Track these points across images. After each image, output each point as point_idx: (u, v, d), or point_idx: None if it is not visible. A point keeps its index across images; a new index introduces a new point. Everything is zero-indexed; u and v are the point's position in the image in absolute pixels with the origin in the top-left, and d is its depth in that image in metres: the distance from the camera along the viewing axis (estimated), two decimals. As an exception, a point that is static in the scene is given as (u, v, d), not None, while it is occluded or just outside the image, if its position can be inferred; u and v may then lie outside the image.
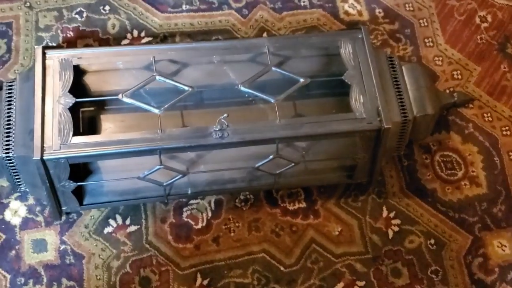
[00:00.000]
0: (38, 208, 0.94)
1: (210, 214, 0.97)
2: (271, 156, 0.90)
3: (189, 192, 0.94)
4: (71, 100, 0.85)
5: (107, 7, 1.08)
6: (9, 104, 0.89)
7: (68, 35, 1.05)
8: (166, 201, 0.96)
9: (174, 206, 0.97)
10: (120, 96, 0.86)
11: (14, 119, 0.87)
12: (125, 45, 1.05)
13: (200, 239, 0.95)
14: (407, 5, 1.16)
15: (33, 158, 0.80)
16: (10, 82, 0.91)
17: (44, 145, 0.81)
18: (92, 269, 0.91)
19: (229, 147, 0.88)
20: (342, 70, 0.99)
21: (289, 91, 0.91)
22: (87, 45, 1.05)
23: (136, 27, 1.07)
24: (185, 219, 0.96)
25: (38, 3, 1.06)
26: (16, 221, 0.93)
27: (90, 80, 0.96)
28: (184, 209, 0.97)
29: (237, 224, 0.97)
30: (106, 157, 0.86)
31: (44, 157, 0.81)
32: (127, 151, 0.84)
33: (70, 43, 1.04)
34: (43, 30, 1.04)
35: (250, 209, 0.98)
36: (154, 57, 0.90)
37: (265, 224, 0.98)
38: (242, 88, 0.90)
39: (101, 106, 0.98)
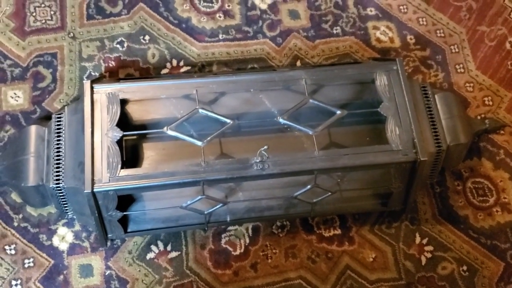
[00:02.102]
0: (84, 234, 0.98)
1: (248, 241, 1.00)
2: (309, 186, 0.93)
3: (228, 219, 0.98)
4: (118, 133, 0.89)
5: (147, 37, 1.11)
6: (58, 136, 0.93)
7: (110, 65, 1.09)
8: (206, 228, 0.99)
9: (213, 232, 1.00)
10: (165, 129, 0.90)
11: (63, 151, 0.92)
12: (167, 76, 1.08)
13: (239, 266, 0.99)
14: (438, 31, 1.18)
15: (84, 191, 0.84)
16: (59, 114, 0.95)
17: (94, 178, 0.85)
18: (136, 293, 0.95)
19: (269, 178, 0.91)
20: (375, 98, 1.01)
21: (326, 124, 0.93)
22: (128, 75, 1.08)
23: (175, 57, 1.11)
24: (224, 246, 1.00)
25: (81, 33, 1.10)
26: (63, 246, 0.97)
27: (131, 109, 1.00)
28: (223, 236, 1.00)
29: (274, 251, 1.00)
30: (153, 189, 0.89)
31: (94, 190, 0.85)
32: (172, 183, 0.87)
33: (112, 73, 1.08)
34: (86, 60, 1.08)
35: (287, 235, 1.01)
36: (196, 90, 0.94)
37: (301, 250, 1.00)
38: (281, 120, 0.93)
39: (143, 134, 1.02)
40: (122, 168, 0.87)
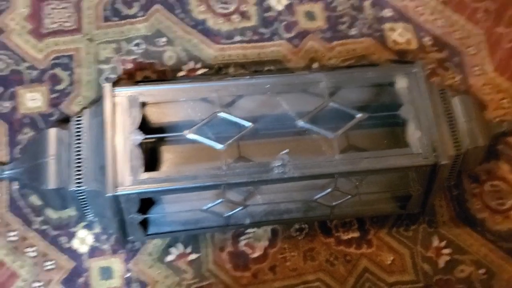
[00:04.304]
0: (104, 237, 0.98)
1: (266, 243, 1.00)
2: (329, 189, 0.93)
3: (247, 222, 0.98)
4: (140, 136, 0.89)
5: (163, 39, 1.11)
6: (79, 139, 0.93)
7: (127, 67, 1.09)
8: (225, 231, 0.99)
9: (231, 234, 1.00)
10: (185, 133, 0.90)
11: (84, 154, 0.92)
12: (185, 79, 1.08)
13: (257, 268, 0.99)
14: (455, 33, 1.18)
15: (107, 195, 0.84)
16: (78, 117, 0.95)
17: (117, 181, 0.85)
18: (156, 296, 0.96)
19: (290, 181, 0.91)
20: (391, 100, 1.01)
21: (346, 127, 0.93)
22: (145, 77, 1.08)
23: (192, 59, 1.10)
24: (243, 248, 1.00)
25: (98, 35, 1.10)
26: (84, 249, 0.97)
27: (148, 112, 1.00)
28: (242, 238, 1.00)
29: (292, 254, 1.00)
30: (175, 192, 0.90)
31: (117, 193, 0.85)
32: (194, 186, 0.87)
33: (129, 75, 1.08)
34: (103, 62, 1.08)
35: (305, 238, 1.01)
36: (217, 93, 0.93)
37: (320, 253, 1.00)
38: (301, 124, 0.93)
39: (160, 137, 1.01)
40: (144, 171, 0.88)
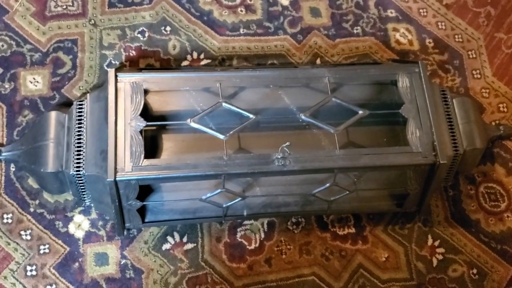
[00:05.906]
0: (100, 223, 0.97)
1: (263, 236, 1.01)
2: (327, 184, 0.94)
3: (245, 214, 0.98)
4: (142, 123, 0.89)
5: (168, 28, 1.11)
6: (80, 123, 0.93)
7: (131, 54, 1.08)
8: (223, 221, 1.00)
9: (228, 226, 1.01)
10: (188, 121, 0.90)
11: (84, 138, 0.92)
12: (188, 68, 1.08)
13: (253, 260, 0.99)
14: (456, 36, 1.19)
15: (107, 180, 0.84)
16: (80, 101, 0.95)
17: (117, 167, 0.85)
18: (150, 284, 0.95)
19: (290, 174, 0.92)
20: (393, 98, 1.02)
21: (348, 123, 0.93)
22: (148, 65, 1.08)
23: (195, 49, 1.10)
24: (239, 239, 1.00)
25: (102, 21, 1.09)
26: (79, 234, 0.97)
27: (151, 100, 1.00)
28: (238, 229, 1.01)
29: (288, 247, 1.01)
30: (175, 180, 0.90)
31: (117, 179, 0.84)
32: (194, 175, 0.87)
33: (132, 62, 1.07)
34: (106, 48, 1.08)
35: (301, 232, 1.02)
36: (220, 83, 0.93)
37: (316, 247, 1.01)
38: (303, 117, 0.93)
39: (162, 125, 1.01)
40: (144, 158, 0.87)
